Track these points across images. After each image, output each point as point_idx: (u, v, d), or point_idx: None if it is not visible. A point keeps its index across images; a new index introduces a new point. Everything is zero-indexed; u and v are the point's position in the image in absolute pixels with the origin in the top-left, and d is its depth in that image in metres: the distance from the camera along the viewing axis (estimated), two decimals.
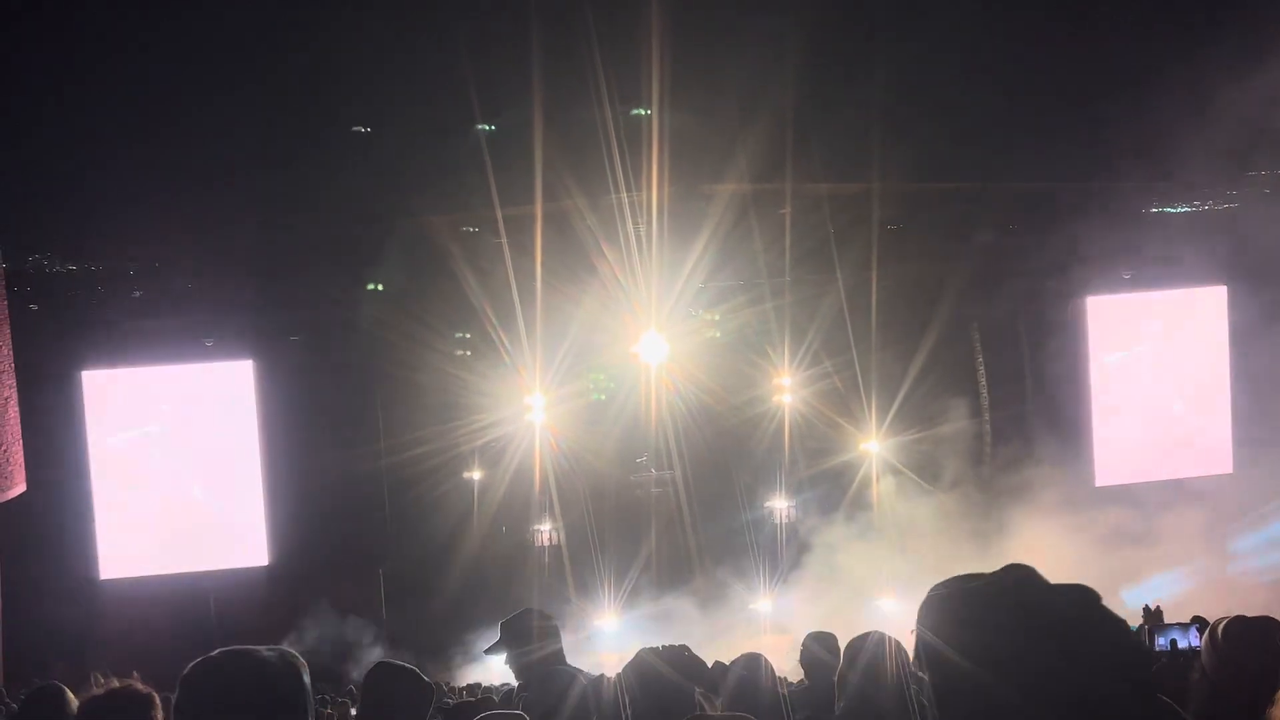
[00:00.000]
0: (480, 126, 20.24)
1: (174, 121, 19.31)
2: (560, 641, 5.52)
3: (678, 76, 19.28)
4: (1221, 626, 4.19)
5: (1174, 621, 6.35)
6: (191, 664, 2.58)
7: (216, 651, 2.61)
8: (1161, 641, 6.02)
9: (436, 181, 20.79)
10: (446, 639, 19.31)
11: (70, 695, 4.97)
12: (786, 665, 17.01)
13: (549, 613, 5.62)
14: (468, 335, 20.61)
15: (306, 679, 2.65)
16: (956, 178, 20.89)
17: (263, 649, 2.63)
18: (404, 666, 5.12)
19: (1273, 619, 4.26)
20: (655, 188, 19.37)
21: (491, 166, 19.53)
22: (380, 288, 21.10)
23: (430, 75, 20.37)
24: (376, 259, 20.00)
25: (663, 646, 4.78)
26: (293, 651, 2.66)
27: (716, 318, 22.34)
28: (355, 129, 20.80)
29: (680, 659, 4.73)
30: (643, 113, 20.26)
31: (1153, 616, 8.29)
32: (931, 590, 1.88)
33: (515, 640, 5.59)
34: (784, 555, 22.49)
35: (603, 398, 21.99)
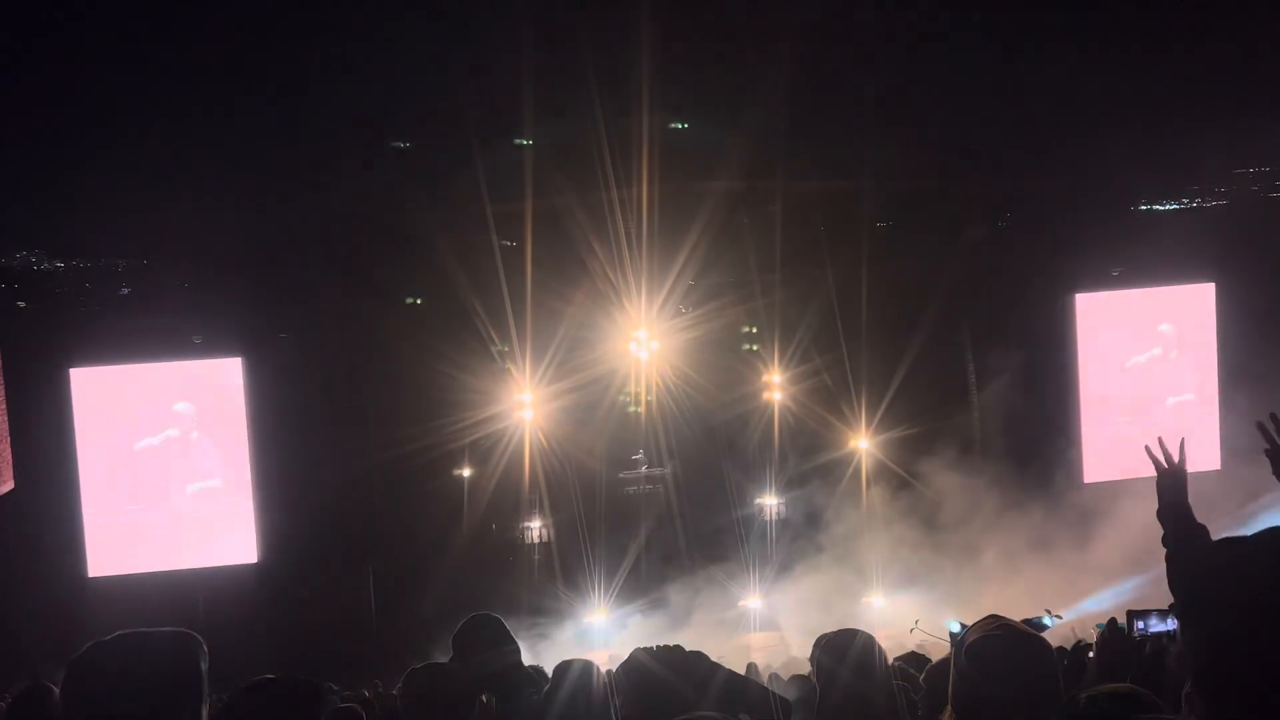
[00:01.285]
0: (518, 141, 20.22)
1: (165, 121, 19.26)
2: (517, 645, 5.41)
3: (671, 75, 19.29)
4: None
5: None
6: (84, 647, 2.51)
7: (111, 635, 2.54)
8: (1140, 626, 6.05)
9: (431, 183, 20.79)
10: (435, 635, 19.28)
11: (58, 694, 4.96)
12: (776, 661, 17.05)
13: (497, 616, 5.49)
14: (505, 348, 20.55)
15: (203, 663, 2.58)
16: (946, 176, 20.92)
17: (159, 630, 2.55)
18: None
19: None
20: (646, 185, 19.36)
21: (484, 167, 19.52)
22: (419, 301, 21.05)
23: (426, 76, 20.35)
24: (384, 266, 19.94)
25: (657, 646, 4.76)
26: (191, 633, 2.60)
27: (754, 330, 22.29)
28: (394, 144, 20.78)
29: (675, 659, 4.72)
30: (680, 126, 20.35)
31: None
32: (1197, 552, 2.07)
33: (470, 650, 5.44)
34: (774, 552, 22.51)
35: (640, 410, 21.95)
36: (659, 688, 4.40)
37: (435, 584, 20.42)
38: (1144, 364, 21.41)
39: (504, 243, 20.49)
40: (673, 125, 20.13)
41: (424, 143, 20.79)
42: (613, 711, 4.93)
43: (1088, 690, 2.75)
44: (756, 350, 22.39)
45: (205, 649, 2.60)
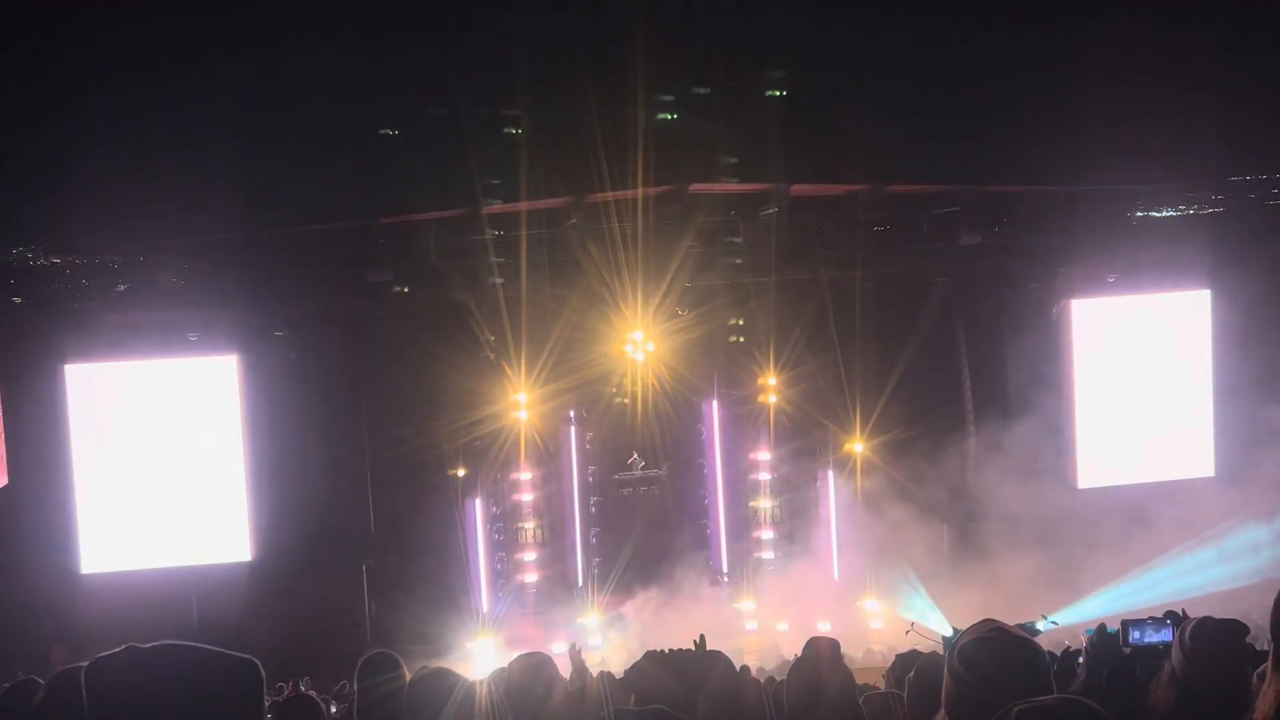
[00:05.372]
0: (509, 130, 20.13)
1: (162, 113, 19.22)
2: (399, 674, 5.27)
3: (665, 75, 19.27)
4: (1189, 628, 4.26)
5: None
6: (120, 649, 2.36)
7: (156, 643, 2.38)
8: (1135, 635, 6.07)
9: (426, 178, 20.74)
10: (429, 636, 19.31)
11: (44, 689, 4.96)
12: (769, 664, 17.07)
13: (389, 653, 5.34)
14: (493, 338, 20.52)
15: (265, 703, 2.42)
16: (943, 180, 20.91)
17: (217, 650, 2.38)
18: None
19: (1239, 622, 4.31)
20: (641, 186, 19.33)
21: (477, 164, 19.46)
22: (406, 290, 20.95)
23: (422, 71, 20.32)
24: (377, 259, 19.79)
25: (669, 650, 4.76)
26: (257, 664, 2.46)
27: (741, 322, 22.24)
28: (383, 132, 20.65)
29: (678, 663, 4.71)
30: (669, 117, 20.32)
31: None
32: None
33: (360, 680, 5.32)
34: (768, 555, 22.54)
35: (626, 400, 21.93)
36: (660, 693, 4.40)
37: (430, 583, 20.43)
38: (1139, 370, 21.48)
39: (495, 232, 20.37)
40: (661, 116, 20.07)
41: (414, 135, 20.71)
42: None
43: (1021, 704, 2.68)
44: (742, 341, 22.32)
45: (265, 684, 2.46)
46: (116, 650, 2.34)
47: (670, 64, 19.44)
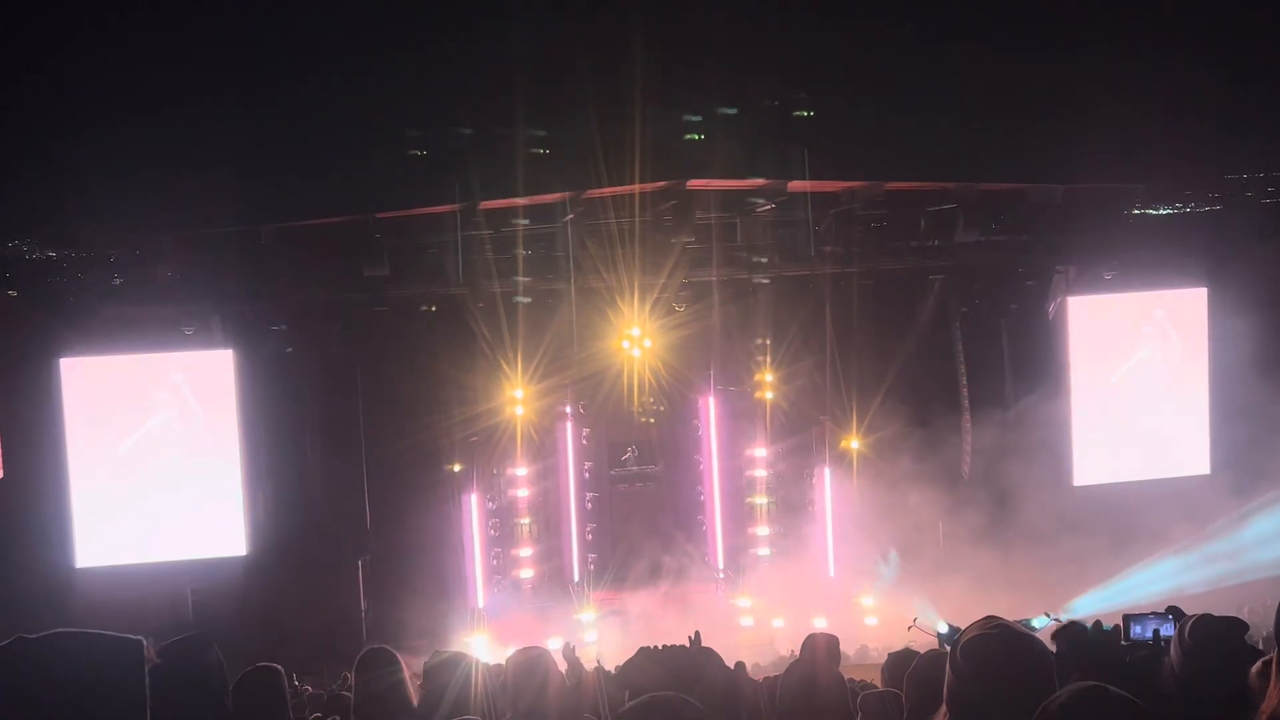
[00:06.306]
0: (508, 126, 20.12)
1: (160, 107, 19.21)
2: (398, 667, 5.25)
3: (662, 71, 19.24)
4: (1188, 625, 4.26)
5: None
6: (9, 640, 2.41)
7: (44, 633, 2.46)
8: (1137, 630, 6.06)
9: (424, 175, 20.71)
10: (425, 631, 19.27)
11: None
12: (765, 660, 17.07)
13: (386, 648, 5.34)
14: (499, 346, 20.49)
15: (147, 674, 2.46)
16: (940, 177, 20.90)
17: (98, 633, 2.45)
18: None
19: (1238, 619, 4.31)
20: (639, 182, 19.30)
21: (475, 162, 19.42)
22: (434, 309, 20.90)
23: (422, 68, 20.31)
24: (374, 254, 19.69)
25: (662, 646, 4.75)
26: (136, 639, 2.48)
27: (767, 341, 22.14)
28: (411, 153, 20.68)
29: (674, 659, 4.71)
30: (697, 137, 20.39)
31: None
32: None
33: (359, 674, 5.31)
34: (764, 551, 22.54)
35: (652, 421, 21.96)
36: (654, 689, 4.39)
37: (425, 579, 20.39)
38: (1135, 368, 21.51)
39: (502, 252, 20.38)
40: (689, 136, 20.18)
41: (415, 131, 20.69)
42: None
43: (1065, 694, 2.66)
44: (764, 344, 22.25)
45: (150, 653, 2.49)
46: (7, 641, 2.41)
47: (670, 63, 19.46)
